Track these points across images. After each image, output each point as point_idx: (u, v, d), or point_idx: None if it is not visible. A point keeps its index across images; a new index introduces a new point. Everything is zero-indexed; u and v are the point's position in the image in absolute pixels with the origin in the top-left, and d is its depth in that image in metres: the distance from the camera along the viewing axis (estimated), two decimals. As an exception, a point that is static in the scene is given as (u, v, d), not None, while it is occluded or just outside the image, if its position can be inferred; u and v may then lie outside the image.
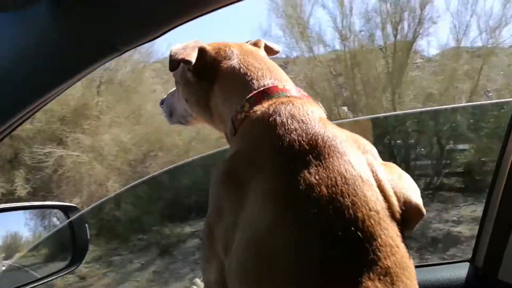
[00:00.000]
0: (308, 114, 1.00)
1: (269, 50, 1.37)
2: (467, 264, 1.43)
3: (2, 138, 0.95)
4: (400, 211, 0.91)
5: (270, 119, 1.00)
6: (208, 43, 1.23)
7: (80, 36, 0.89)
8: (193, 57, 1.12)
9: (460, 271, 1.41)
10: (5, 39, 0.90)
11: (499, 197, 1.26)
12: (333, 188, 0.86)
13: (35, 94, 0.93)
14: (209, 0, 0.87)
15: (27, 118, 0.95)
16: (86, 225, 1.55)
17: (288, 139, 0.94)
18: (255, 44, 1.34)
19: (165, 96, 1.43)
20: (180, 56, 1.11)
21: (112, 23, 0.88)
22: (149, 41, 0.94)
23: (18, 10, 0.84)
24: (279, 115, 1.00)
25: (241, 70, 1.14)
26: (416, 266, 1.50)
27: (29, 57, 0.90)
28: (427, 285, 1.35)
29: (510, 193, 1.23)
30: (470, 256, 1.45)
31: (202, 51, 1.16)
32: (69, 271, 1.52)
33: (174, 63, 1.12)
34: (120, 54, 0.95)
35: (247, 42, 1.36)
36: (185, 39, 1.19)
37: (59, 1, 0.82)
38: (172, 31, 0.95)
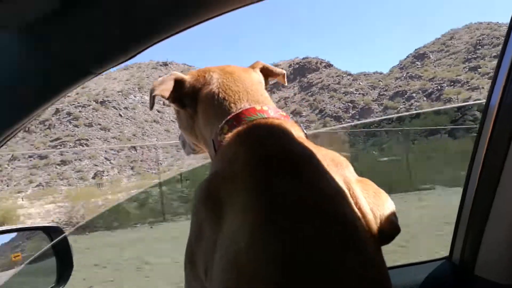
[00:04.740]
0: (285, 135, 1.00)
1: (270, 73, 1.36)
2: (445, 261, 1.42)
3: None
4: (377, 227, 0.90)
5: (247, 140, 1.00)
6: (190, 72, 1.26)
7: (50, 62, 0.88)
8: (166, 91, 1.16)
9: (438, 268, 1.40)
10: None
11: (472, 194, 1.25)
12: (313, 205, 0.85)
13: (7, 121, 0.91)
14: (176, 22, 0.87)
15: (2, 145, 0.95)
16: (70, 245, 1.53)
17: (265, 157, 0.94)
18: (252, 66, 1.32)
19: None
20: (154, 93, 1.15)
21: (84, 47, 0.87)
22: (122, 62, 0.94)
23: None
24: (256, 135, 1.01)
25: (220, 94, 1.15)
26: (395, 266, 1.43)
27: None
28: (405, 285, 1.33)
29: (483, 190, 1.22)
30: (447, 254, 1.43)
31: (179, 82, 1.19)
32: None
33: (151, 100, 1.16)
34: (94, 76, 0.95)
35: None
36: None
37: (24, 28, 0.80)
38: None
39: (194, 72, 1.24)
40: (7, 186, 47.82)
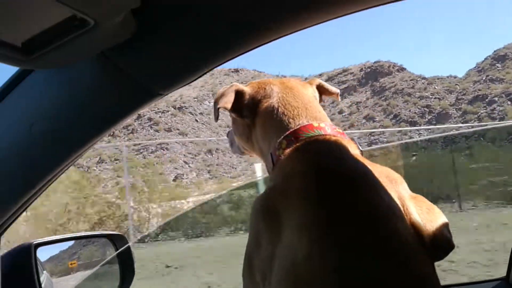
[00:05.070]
0: (341, 152, 1.02)
1: (325, 91, 1.38)
2: (501, 282, 1.36)
3: (55, 179, 1.02)
4: (430, 243, 0.90)
5: (305, 156, 1.04)
6: (250, 83, 1.30)
7: (123, 86, 0.93)
8: (229, 103, 1.20)
9: None
10: (54, 91, 0.95)
11: None
12: (368, 221, 0.88)
13: (81, 140, 0.98)
14: (242, 44, 0.90)
15: (71, 164, 1.01)
16: (133, 252, 1.61)
17: (322, 174, 0.97)
18: (309, 82, 1.35)
19: (231, 128, 1.50)
20: (218, 106, 1.19)
21: (154, 71, 0.93)
22: (187, 83, 0.98)
23: (68, 65, 0.88)
24: (313, 152, 1.04)
25: (279, 109, 1.18)
26: (451, 285, 1.42)
27: (75, 106, 0.95)
28: None
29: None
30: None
31: (240, 94, 1.23)
32: None
33: (215, 113, 1.21)
34: (162, 97, 1.00)
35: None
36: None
37: (102, 54, 0.86)
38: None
39: (254, 83, 1.28)
40: (95, 187, 51.16)
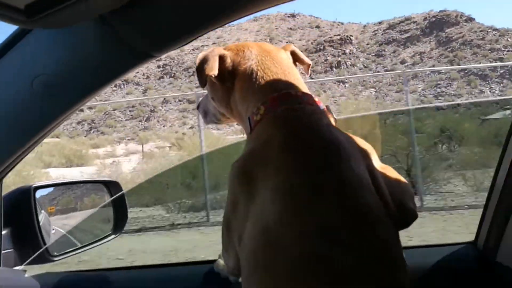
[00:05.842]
0: (316, 121, 1.04)
1: (298, 59, 1.34)
2: (469, 245, 1.39)
3: (54, 129, 1.12)
4: (396, 213, 0.95)
5: (281, 124, 1.05)
6: (227, 46, 1.27)
7: (118, 47, 0.96)
8: (216, 69, 1.16)
9: (461, 252, 1.37)
10: (53, 49, 1.00)
11: (503, 179, 1.21)
12: (336, 189, 0.92)
13: (78, 95, 1.04)
14: (236, 8, 0.90)
15: (69, 116, 1.11)
16: (126, 198, 1.68)
17: (297, 142, 1.00)
18: (284, 48, 1.31)
19: (200, 99, 1.50)
20: (206, 72, 1.15)
21: (148, 33, 0.94)
22: (180, 46, 0.99)
23: (67, 26, 0.91)
24: (290, 121, 1.05)
25: (258, 73, 1.16)
26: (418, 247, 1.47)
27: (74, 64, 1.00)
28: (428, 266, 1.32)
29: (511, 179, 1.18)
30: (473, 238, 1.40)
31: (221, 58, 1.19)
32: (111, 238, 1.65)
33: (203, 79, 1.17)
34: (155, 58, 1.01)
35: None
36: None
37: (103, 17, 0.89)
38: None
39: (232, 46, 1.26)
40: (164, 126, 52.82)
